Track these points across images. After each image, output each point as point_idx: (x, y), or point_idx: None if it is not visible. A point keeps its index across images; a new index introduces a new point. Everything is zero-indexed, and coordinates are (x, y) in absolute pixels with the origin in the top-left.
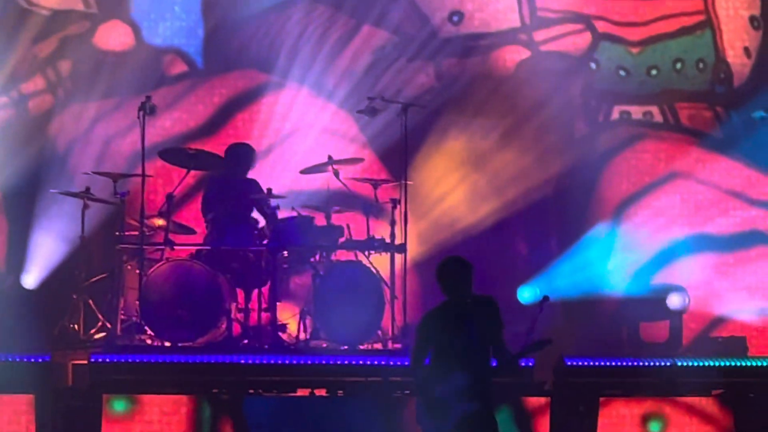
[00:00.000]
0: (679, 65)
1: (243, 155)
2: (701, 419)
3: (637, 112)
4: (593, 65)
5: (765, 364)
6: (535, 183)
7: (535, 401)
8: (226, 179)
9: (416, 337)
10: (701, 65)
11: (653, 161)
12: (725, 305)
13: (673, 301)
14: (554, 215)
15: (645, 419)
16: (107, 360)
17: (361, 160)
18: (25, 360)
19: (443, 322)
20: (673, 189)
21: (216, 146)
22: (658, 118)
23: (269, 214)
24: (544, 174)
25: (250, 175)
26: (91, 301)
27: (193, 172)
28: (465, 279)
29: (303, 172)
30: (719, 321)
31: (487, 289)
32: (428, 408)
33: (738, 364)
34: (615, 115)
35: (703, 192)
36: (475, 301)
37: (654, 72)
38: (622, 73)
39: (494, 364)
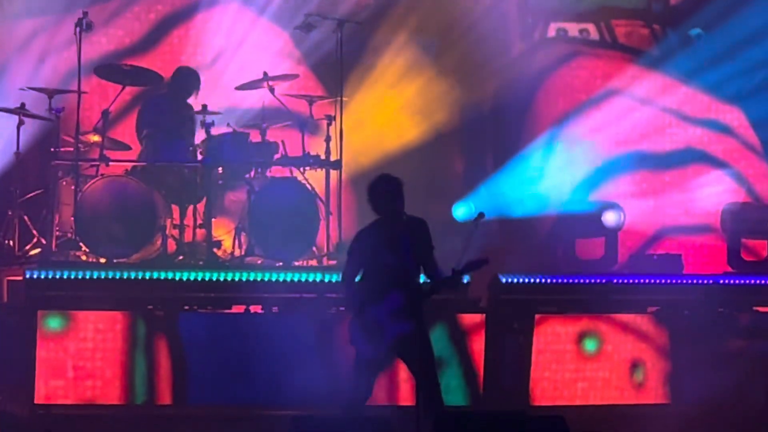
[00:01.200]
0: None
1: (191, 80)
2: (637, 337)
3: (573, 29)
4: None
5: (699, 282)
6: (470, 100)
7: (470, 319)
8: (165, 98)
9: (349, 255)
10: None
11: (589, 79)
12: (661, 223)
13: (609, 218)
14: (490, 133)
15: (581, 337)
16: (42, 276)
17: (296, 76)
18: None
19: (376, 241)
20: (609, 107)
21: (152, 63)
22: (595, 35)
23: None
24: (480, 92)
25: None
26: (26, 217)
27: (128, 89)
28: (396, 196)
29: (238, 88)
30: (655, 239)
31: (422, 206)
32: (362, 328)
33: (673, 281)
34: (551, 32)
35: (639, 109)
36: (407, 220)
37: None
38: None
39: (432, 281)
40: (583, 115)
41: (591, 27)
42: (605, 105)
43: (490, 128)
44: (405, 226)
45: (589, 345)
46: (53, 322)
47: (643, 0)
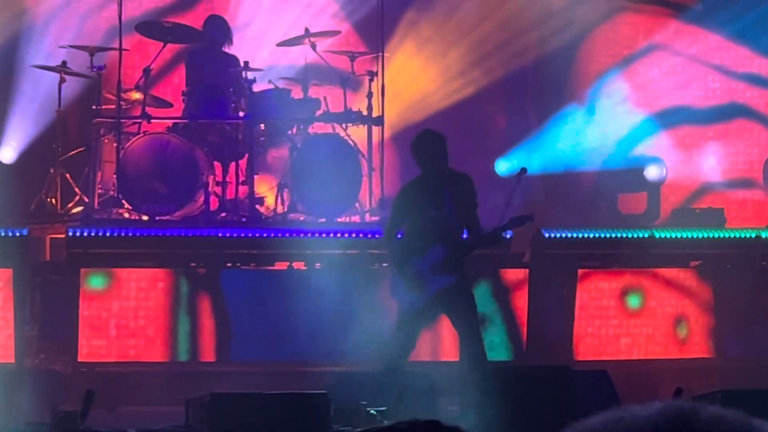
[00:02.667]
0: None
1: (219, 26)
2: (680, 292)
3: None
4: None
5: (742, 235)
6: (513, 56)
7: (513, 275)
8: (203, 52)
9: (392, 210)
10: None
11: (632, 34)
12: (704, 178)
13: (651, 172)
14: (532, 88)
15: (624, 293)
16: (85, 234)
17: (337, 32)
18: (3, 234)
19: (419, 195)
20: (651, 61)
21: (193, 20)
22: None
23: (249, 82)
24: (523, 47)
25: (229, 51)
26: (68, 175)
27: (170, 47)
28: (439, 151)
29: (280, 44)
30: (699, 193)
31: (465, 162)
32: (404, 282)
33: (715, 235)
34: None
35: (682, 64)
36: (451, 175)
37: None
38: None
39: (474, 237)
40: (626, 70)
41: None
42: (648, 60)
43: (533, 83)
44: (448, 181)
45: (633, 301)
46: (95, 281)
47: None
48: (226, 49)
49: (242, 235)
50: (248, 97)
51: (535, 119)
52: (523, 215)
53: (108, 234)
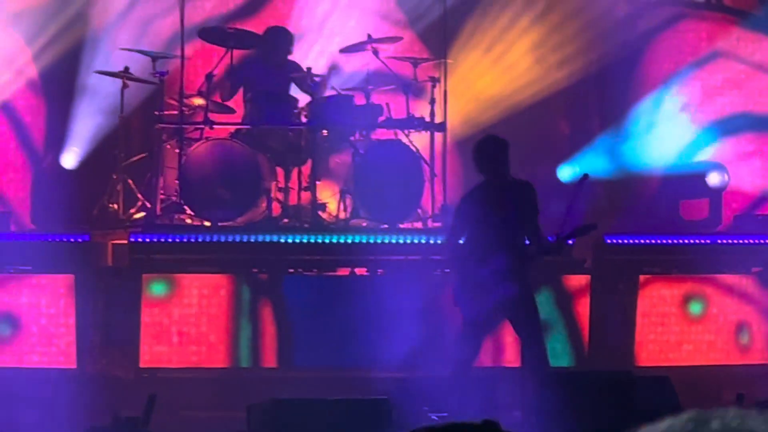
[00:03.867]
0: None
1: (280, 38)
2: (741, 299)
3: None
4: None
5: None
6: (576, 63)
7: (575, 283)
8: (262, 60)
9: (454, 217)
10: None
11: (695, 41)
12: (766, 184)
13: (713, 178)
14: (596, 95)
15: (686, 300)
16: (147, 239)
17: (399, 38)
18: (65, 240)
19: (482, 202)
20: (714, 68)
21: (256, 27)
22: None
23: (312, 88)
24: (586, 54)
25: (292, 57)
26: (130, 181)
27: (233, 52)
28: (501, 157)
29: (342, 50)
30: (761, 200)
31: (528, 168)
32: (467, 289)
33: None
34: None
35: (745, 71)
36: (513, 182)
37: None
38: None
39: (536, 245)
40: (689, 78)
41: None
42: (711, 67)
43: (596, 90)
44: (510, 187)
45: (694, 308)
46: (157, 288)
47: None
48: (288, 57)
49: (304, 240)
50: (311, 103)
51: (598, 125)
52: (586, 224)
53: (170, 240)
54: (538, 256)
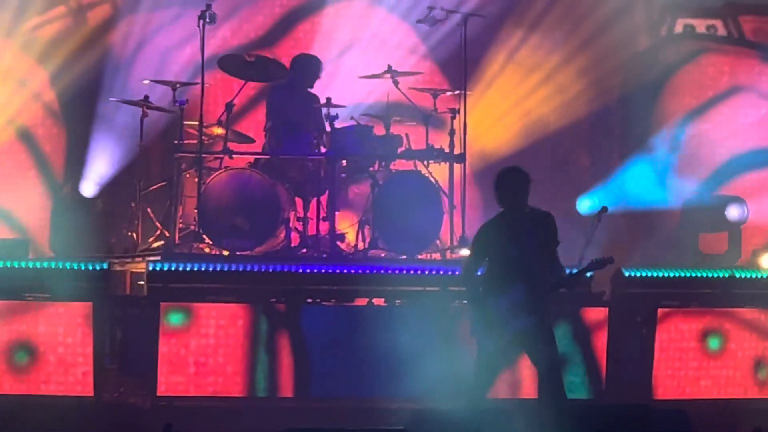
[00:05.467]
0: None
1: (311, 66)
2: (760, 334)
3: (700, 25)
4: None
5: None
6: (598, 95)
7: (593, 316)
8: (287, 88)
9: (472, 248)
10: None
11: (716, 75)
12: None
13: (732, 212)
14: (617, 128)
15: (704, 334)
16: (165, 268)
17: (419, 73)
18: (84, 268)
19: (500, 233)
20: (736, 103)
21: (277, 57)
22: (722, 31)
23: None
24: (607, 87)
25: (314, 88)
26: (149, 210)
27: (252, 83)
28: (521, 189)
29: (362, 77)
30: None
31: (548, 200)
32: (484, 321)
33: None
34: (678, 28)
35: (766, 106)
36: (532, 213)
37: None
38: None
39: (555, 277)
40: (710, 112)
41: (718, 23)
42: (732, 101)
43: (617, 123)
44: (529, 218)
45: (713, 343)
46: (175, 318)
47: None
48: (309, 89)
49: (323, 271)
50: (330, 134)
51: (618, 158)
52: (603, 258)
53: (188, 268)
54: (557, 288)
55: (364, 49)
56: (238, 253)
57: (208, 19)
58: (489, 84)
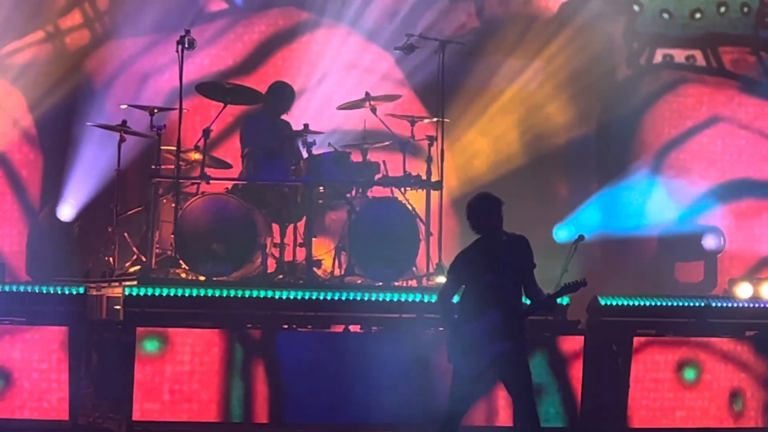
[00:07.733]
0: (723, 9)
1: (285, 94)
2: (736, 366)
3: (680, 55)
4: (636, 7)
5: None
6: (576, 125)
7: (569, 345)
8: (262, 115)
9: (448, 275)
10: (745, 9)
11: (695, 105)
12: (765, 251)
13: (709, 241)
14: (595, 157)
15: (680, 365)
16: (141, 293)
17: (398, 96)
18: (60, 292)
19: (476, 260)
20: (714, 133)
21: (254, 84)
22: (701, 62)
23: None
24: (586, 116)
25: (286, 117)
26: (126, 234)
27: (230, 108)
28: (494, 215)
29: (340, 107)
30: (759, 266)
31: (525, 229)
32: (461, 346)
33: None
34: (658, 58)
35: (746, 137)
36: (507, 238)
37: (698, 15)
38: (665, 15)
39: (529, 302)
40: (689, 141)
41: (698, 53)
42: (711, 131)
43: (595, 152)
44: (504, 244)
45: (689, 374)
46: (150, 345)
47: (750, 27)
48: (283, 116)
49: (299, 297)
50: (308, 160)
51: (596, 187)
52: (576, 282)
53: (165, 293)
54: (533, 313)
55: (342, 77)
56: (214, 279)
57: (186, 45)
58: (466, 112)
